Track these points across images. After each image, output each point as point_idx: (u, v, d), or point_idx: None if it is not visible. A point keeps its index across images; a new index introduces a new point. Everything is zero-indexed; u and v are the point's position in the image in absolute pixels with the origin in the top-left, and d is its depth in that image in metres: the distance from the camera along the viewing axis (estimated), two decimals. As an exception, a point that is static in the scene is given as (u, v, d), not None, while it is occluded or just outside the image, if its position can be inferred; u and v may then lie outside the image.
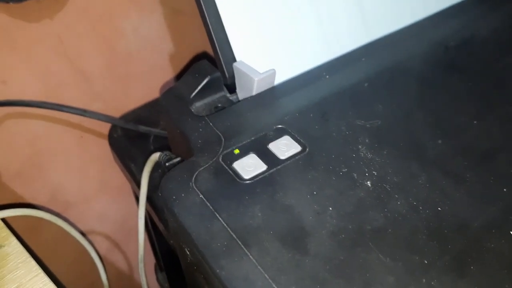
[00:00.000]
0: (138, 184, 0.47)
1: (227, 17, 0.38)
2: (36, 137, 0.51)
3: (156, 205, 0.46)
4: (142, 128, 0.51)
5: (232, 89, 0.40)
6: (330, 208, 0.30)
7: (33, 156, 0.52)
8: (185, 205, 0.30)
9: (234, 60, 0.39)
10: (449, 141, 0.33)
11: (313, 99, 0.37)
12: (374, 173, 0.31)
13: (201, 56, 0.59)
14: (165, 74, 0.58)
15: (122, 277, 0.70)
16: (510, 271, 0.26)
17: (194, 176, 0.32)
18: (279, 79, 0.39)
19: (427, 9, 0.45)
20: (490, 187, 0.30)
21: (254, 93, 0.38)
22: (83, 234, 0.57)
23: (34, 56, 0.47)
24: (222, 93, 0.39)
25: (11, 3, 0.42)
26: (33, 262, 0.36)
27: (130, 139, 0.53)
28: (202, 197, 0.31)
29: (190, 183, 0.31)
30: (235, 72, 0.39)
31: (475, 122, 0.35)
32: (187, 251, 0.31)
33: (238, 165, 0.32)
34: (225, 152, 0.33)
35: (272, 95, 0.38)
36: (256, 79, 0.37)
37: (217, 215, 0.29)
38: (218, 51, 0.38)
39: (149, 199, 0.45)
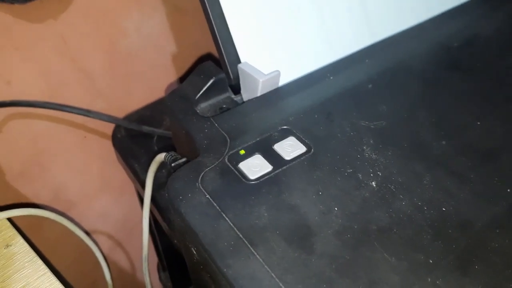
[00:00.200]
0: (141, 184, 0.47)
1: (231, 18, 0.38)
2: (39, 137, 0.51)
3: (159, 205, 0.46)
4: (146, 128, 0.51)
5: (236, 90, 0.40)
6: (336, 208, 0.30)
7: (36, 155, 0.52)
8: (192, 205, 0.31)
9: (239, 61, 0.39)
10: (453, 141, 0.34)
11: (318, 100, 0.38)
12: (378, 174, 0.32)
13: (205, 57, 0.60)
14: (168, 74, 0.58)
15: (125, 276, 0.71)
16: (514, 270, 0.27)
17: (201, 176, 0.32)
18: (283, 80, 0.40)
19: (430, 10, 0.45)
20: (494, 187, 0.31)
21: (258, 94, 0.38)
22: (87, 233, 0.57)
23: (38, 56, 0.47)
24: (227, 94, 0.40)
25: (16, 4, 0.42)
26: (39, 261, 0.36)
27: (134, 139, 0.53)
28: (209, 197, 0.31)
29: (197, 183, 0.32)
30: (240, 73, 0.39)
31: (478, 122, 0.35)
32: (193, 251, 0.31)
33: (244, 166, 0.33)
34: (231, 152, 0.34)
35: (277, 96, 0.38)
36: (261, 80, 0.37)
37: (224, 215, 0.30)
38: (223, 52, 0.39)
39: (152, 198, 0.45)
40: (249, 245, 0.28)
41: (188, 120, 0.36)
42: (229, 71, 0.39)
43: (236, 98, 0.40)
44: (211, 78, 0.38)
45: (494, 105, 0.37)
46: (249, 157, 0.33)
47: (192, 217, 0.30)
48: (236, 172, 0.32)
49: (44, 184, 0.54)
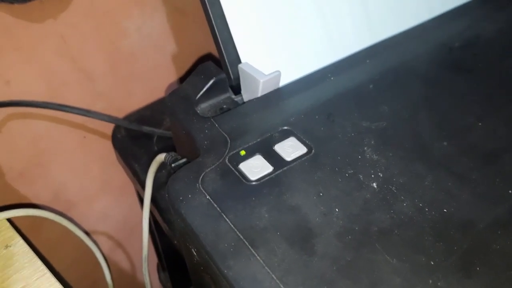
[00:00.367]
0: (141, 184, 0.47)
1: (232, 19, 0.38)
2: (39, 137, 0.51)
3: (159, 205, 0.46)
4: (146, 129, 0.51)
5: (237, 90, 0.40)
6: (337, 209, 0.30)
7: (36, 156, 0.52)
8: (192, 206, 0.30)
9: (239, 61, 0.39)
10: (455, 142, 0.34)
11: (318, 101, 0.38)
12: (380, 175, 0.32)
13: (205, 57, 0.59)
14: (169, 74, 0.58)
15: (125, 277, 0.71)
16: (516, 272, 0.26)
17: (201, 177, 0.32)
18: (284, 81, 0.39)
19: (432, 10, 0.45)
20: (496, 188, 0.30)
21: (259, 94, 0.38)
22: (87, 233, 0.57)
23: (38, 56, 0.47)
24: (227, 95, 0.39)
25: (15, 4, 0.42)
26: (39, 262, 0.36)
27: (134, 139, 0.53)
28: (209, 198, 0.31)
29: (197, 184, 0.32)
30: (240, 73, 0.39)
31: (480, 123, 0.35)
32: (194, 252, 0.31)
33: (244, 166, 0.33)
34: (231, 153, 0.33)
35: (277, 96, 0.38)
36: (261, 80, 0.37)
37: (224, 216, 0.30)
38: (223, 52, 0.38)
39: (152, 199, 0.45)
40: (249, 246, 0.28)
41: (188, 121, 0.36)
42: (230, 71, 0.39)
43: (237, 98, 0.40)
44: (211, 78, 0.38)
45: (496, 106, 0.37)
46: (250, 157, 0.33)
47: (192, 218, 0.30)
48: (237, 173, 0.32)
49: (44, 185, 0.54)
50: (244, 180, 0.32)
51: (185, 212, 0.30)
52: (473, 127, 0.35)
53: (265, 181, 0.32)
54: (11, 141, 0.49)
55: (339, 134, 0.35)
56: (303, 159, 0.33)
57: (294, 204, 0.30)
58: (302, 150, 0.34)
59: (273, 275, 0.27)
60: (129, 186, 0.61)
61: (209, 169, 0.33)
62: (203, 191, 0.31)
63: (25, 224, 0.51)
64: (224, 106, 0.39)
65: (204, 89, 0.38)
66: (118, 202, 0.63)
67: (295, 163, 0.33)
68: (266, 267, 0.27)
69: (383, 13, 0.43)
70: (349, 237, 0.28)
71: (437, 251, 0.27)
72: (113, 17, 0.50)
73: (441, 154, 0.33)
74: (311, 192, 0.31)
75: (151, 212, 0.46)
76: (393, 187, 0.31)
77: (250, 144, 0.34)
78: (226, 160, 0.33)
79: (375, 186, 0.31)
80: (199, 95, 0.38)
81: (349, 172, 0.32)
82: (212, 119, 0.36)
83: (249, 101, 0.38)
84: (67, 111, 0.48)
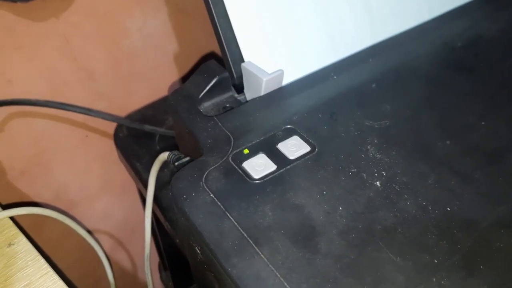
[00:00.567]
0: (144, 183, 0.47)
1: (235, 18, 0.38)
2: (41, 136, 0.51)
3: (161, 204, 0.46)
4: (148, 128, 0.51)
5: (240, 89, 0.40)
6: (340, 208, 0.30)
7: (37, 155, 0.52)
8: (196, 204, 0.30)
9: (242, 60, 0.39)
10: (457, 141, 0.34)
11: (321, 100, 0.38)
12: (383, 173, 0.32)
13: (208, 56, 0.59)
14: (170, 73, 0.58)
15: (127, 275, 0.71)
16: (519, 270, 0.27)
17: (205, 176, 0.32)
18: (287, 80, 0.40)
19: (434, 10, 0.45)
20: (499, 187, 0.31)
21: (262, 93, 0.38)
22: (89, 232, 0.57)
23: (40, 55, 0.47)
24: (230, 93, 0.39)
25: (18, 3, 0.42)
26: (42, 260, 0.36)
27: (136, 138, 0.53)
28: (213, 196, 0.31)
29: (201, 183, 0.32)
30: (243, 72, 0.39)
31: (483, 122, 0.35)
32: (197, 250, 0.31)
33: (248, 165, 0.33)
34: (234, 152, 0.34)
35: (280, 95, 0.38)
36: (264, 79, 0.37)
37: (228, 214, 0.30)
38: (226, 51, 0.38)
39: (154, 198, 0.45)
40: (253, 245, 0.28)
41: (191, 119, 0.36)
42: (233, 70, 0.39)
43: (239, 97, 0.40)
44: (214, 77, 0.38)
45: (498, 105, 0.37)
46: (253, 156, 0.33)
47: (196, 216, 0.30)
48: (240, 172, 0.32)
49: (45, 183, 0.54)
50: (247, 179, 0.32)
51: (189, 210, 0.30)
52: (476, 126, 0.35)
53: (268, 180, 0.32)
54: (13, 140, 0.49)
55: (342, 133, 0.35)
56: (306, 157, 0.33)
57: (298, 202, 0.30)
58: (306, 148, 0.34)
59: (277, 273, 0.27)
60: (131, 185, 0.61)
61: (212, 167, 0.33)
62: (207, 189, 0.31)
63: (28, 222, 0.51)
64: (227, 105, 0.39)
65: (207, 87, 0.38)
66: (120, 201, 0.63)
67: (298, 161, 0.33)
68: (270, 265, 0.27)
69: (385, 12, 0.43)
70: (353, 235, 0.28)
71: (441, 250, 0.27)
72: (114, 16, 0.50)
73: (444, 153, 0.33)
74: (315, 190, 0.31)
75: (152, 211, 0.46)
76: (397, 186, 0.31)
77: (253, 142, 0.34)
78: (230, 159, 0.33)
79: (379, 185, 0.31)
80: (202, 94, 0.38)
81: (353, 170, 0.32)
82: (215, 118, 0.36)
83: (252, 99, 0.39)
84: (69, 110, 0.48)
